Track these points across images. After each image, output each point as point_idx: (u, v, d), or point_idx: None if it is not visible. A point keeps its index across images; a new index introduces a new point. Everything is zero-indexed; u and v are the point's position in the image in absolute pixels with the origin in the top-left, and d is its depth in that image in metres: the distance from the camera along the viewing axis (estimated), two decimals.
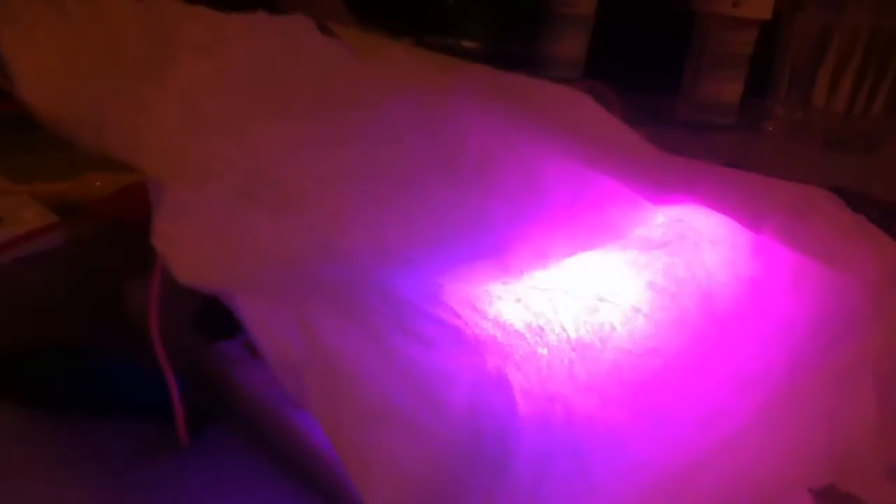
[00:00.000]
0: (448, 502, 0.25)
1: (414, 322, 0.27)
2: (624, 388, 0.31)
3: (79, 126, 0.30)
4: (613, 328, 0.32)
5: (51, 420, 0.35)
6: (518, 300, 0.31)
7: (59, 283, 0.45)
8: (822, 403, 0.34)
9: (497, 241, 0.33)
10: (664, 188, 0.38)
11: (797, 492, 0.33)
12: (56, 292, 0.45)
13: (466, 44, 1.09)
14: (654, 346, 0.33)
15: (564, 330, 0.31)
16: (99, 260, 0.48)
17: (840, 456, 0.33)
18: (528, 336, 0.30)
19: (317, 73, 0.34)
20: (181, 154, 0.28)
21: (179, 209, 0.26)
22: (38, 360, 0.37)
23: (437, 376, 0.26)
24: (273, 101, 0.32)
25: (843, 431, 0.33)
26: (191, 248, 0.25)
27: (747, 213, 0.38)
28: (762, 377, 0.35)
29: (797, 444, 0.34)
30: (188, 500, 0.31)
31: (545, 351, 0.30)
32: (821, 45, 0.96)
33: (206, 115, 0.30)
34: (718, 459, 0.32)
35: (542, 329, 0.31)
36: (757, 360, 0.35)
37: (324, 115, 0.33)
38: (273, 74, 0.33)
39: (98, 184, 0.53)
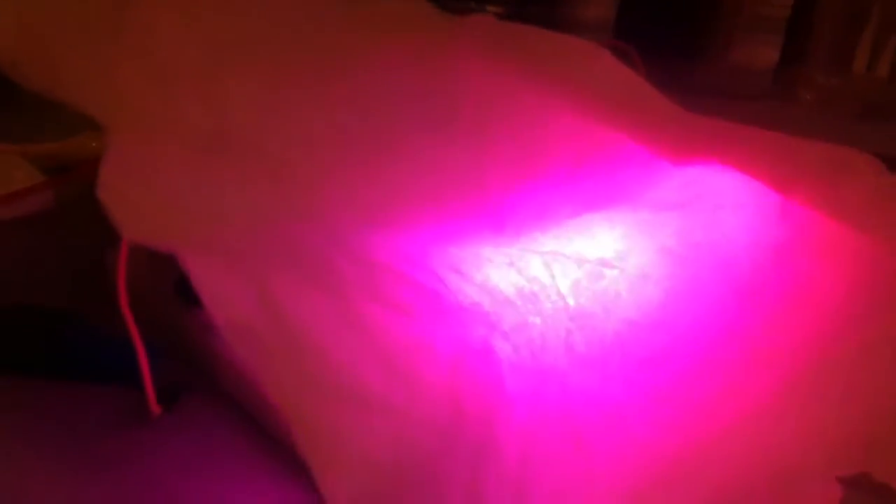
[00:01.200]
0: (424, 488, 0.22)
1: (390, 288, 0.24)
2: (629, 362, 0.28)
3: (34, 71, 0.27)
4: (619, 296, 0.29)
5: (17, 387, 0.33)
6: (510, 264, 0.29)
7: (46, 245, 0.44)
8: (851, 383, 0.31)
9: (492, 200, 0.30)
10: (684, 147, 0.35)
11: (824, 480, 0.30)
12: (43, 254, 0.43)
13: (490, 8, 1.05)
14: (664, 318, 0.30)
15: (562, 297, 0.28)
16: (88, 223, 0.46)
17: (872, 441, 0.30)
18: (519, 303, 0.27)
19: (297, 23, 0.32)
20: (140, 106, 0.25)
21: (128, 160, 0.23)
22: (4, 320, 0.35)
23: (413, 348, 0.23)
24: (247, 54, 0.29)
25: (874, 414, 0.30)
26: (141, 203, 0.23)
27: (776, 175, 0.35)
28: (784, 353, 0.31)
29: (822, 427, 0.31)
30: (156, 478, 0.29)
31: (538, 320, 0.27)
32: (863, 9, 0.91)
33: (171, 68, 0.27)
34: (733, 441, 0.29)
35: (535, 296, 0.28)
36: (779, 334, 0.32)
37: (304, 67, 0.30)
38: (249, 25, 0.31)
39: (94, 144, 0.51)
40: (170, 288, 0.36)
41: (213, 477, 0.29)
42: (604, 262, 0.30)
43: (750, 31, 0.88)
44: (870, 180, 0.35)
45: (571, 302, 0.28)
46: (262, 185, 0.26)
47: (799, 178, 0.34)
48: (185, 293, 0.35)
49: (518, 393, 0.24)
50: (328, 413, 0.21)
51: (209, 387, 0.33)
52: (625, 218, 0.32)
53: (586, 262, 0.30)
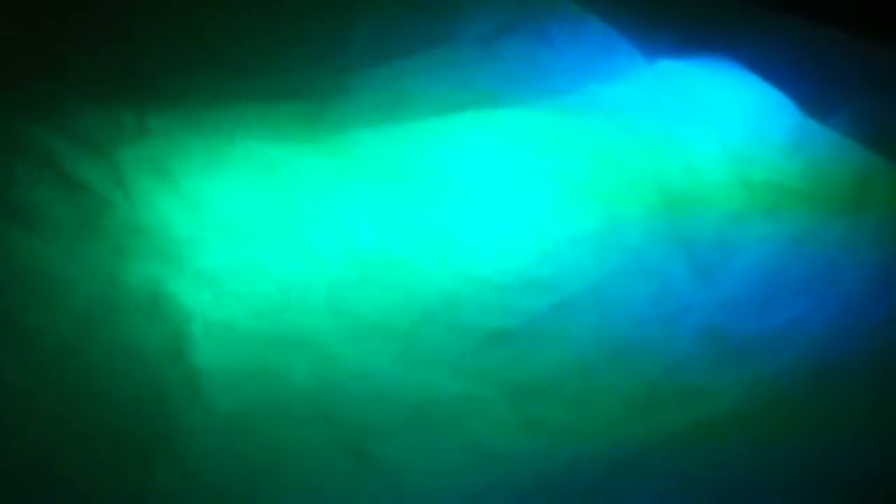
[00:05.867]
0: None
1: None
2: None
3: None
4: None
5: None
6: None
7: None
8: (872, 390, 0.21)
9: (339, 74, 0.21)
10: (682, 37, 0.27)
11: None
12: None
13: None
14: (552, 276, 0.20)
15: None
16: None
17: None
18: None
19: None
20: None
21: None
22: None
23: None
24: None
25: None
26: None
27: (817, 85, 0.26)
28: (772, 342, 0.22)
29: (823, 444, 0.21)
30: None
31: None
32: None
33: None
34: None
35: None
36: (770, 315, 0.22)
37: None
38: None
39: None
40: None
41: None
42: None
43: None
44: None
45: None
46: None
47: (851, 92, 0.24)
48: None
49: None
50: None
51: None
52: (535, 118, 0.22)
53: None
